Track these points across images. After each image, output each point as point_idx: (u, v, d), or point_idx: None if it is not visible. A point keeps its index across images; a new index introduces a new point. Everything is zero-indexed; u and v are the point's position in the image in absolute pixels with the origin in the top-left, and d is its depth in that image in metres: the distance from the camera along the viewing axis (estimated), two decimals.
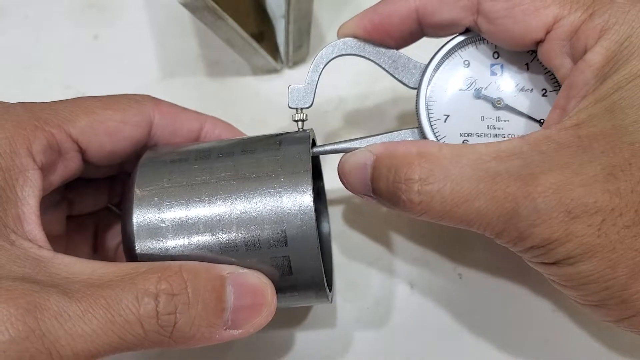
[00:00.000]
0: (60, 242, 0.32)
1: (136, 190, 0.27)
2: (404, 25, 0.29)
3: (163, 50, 0.44)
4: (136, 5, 0.46)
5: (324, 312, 0.35)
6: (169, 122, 0.30)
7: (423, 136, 0.29)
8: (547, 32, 0.26)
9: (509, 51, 0.29)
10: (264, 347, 0.35)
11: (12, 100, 0.27)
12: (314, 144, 0.31)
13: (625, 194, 0.22)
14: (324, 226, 0.37)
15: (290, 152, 0.27)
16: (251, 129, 0.40)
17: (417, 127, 0.29)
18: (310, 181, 0.26)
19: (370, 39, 0.30)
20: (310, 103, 0.30)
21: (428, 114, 0.29)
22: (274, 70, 0.43)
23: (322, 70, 0.30)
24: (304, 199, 0.26)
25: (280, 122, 0.40)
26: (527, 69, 0.29)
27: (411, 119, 0.40)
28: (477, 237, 0.36)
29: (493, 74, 0.29)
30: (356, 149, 0.29)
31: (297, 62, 0.43)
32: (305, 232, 0.26)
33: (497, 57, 0.29)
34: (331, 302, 0.30)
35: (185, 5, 0.33)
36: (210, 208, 0.26)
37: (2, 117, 0.25)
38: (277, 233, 0.26)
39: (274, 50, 0.42)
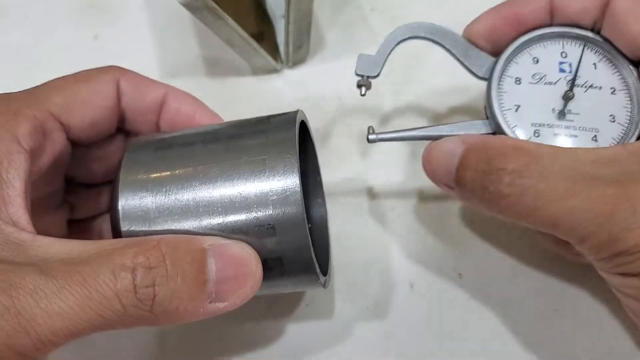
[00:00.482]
0: None
1: (122, 176, 0.27)
2: (537, 16, 0.29)
3: (163, 50, 0.44)
4: (136, 6, 0.46)
5: (324, 312, 0.35)
6: (134, 87, 0.31)
7: (495, 126, 0.29)
8: None
9: (577, 52, 0.30)
10: (264, 346, 0.35)
11: None
12: (304, 125, 0.30)
13: None
14: (319, 206, 0.36)
15: (277, 138, 0.27)
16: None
17: (487, 119, 0.30)
18: (297, 168, 0.26)
19: (490, 38, 0.30)
20: (377, 73, 0.30)
21: (500, 103, 0.29)
22: (274, 70, 0.43)
23: (393, 48, 0.31)
24: (291, 187, 0.25)
25: None
26: (595, 68, 0.29)
27: (417, 121, 0.40)
28: (477, 238, 0.36)
29: (562, 71, 0.30)
30: (424, 137, 0.30)
31: (297, 62, 0.43)
32: (290, 197, 0.25)
33: (566, 57, 0.30)
34: (325, 287, 0.29)
35: (185, 5, 0.33)
36: (195, 194, 0.26)
37: None
38: (265, 220, 0.25)
39: (274, 50, 0.42)
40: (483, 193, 0.26)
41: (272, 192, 0.26)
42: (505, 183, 0.25)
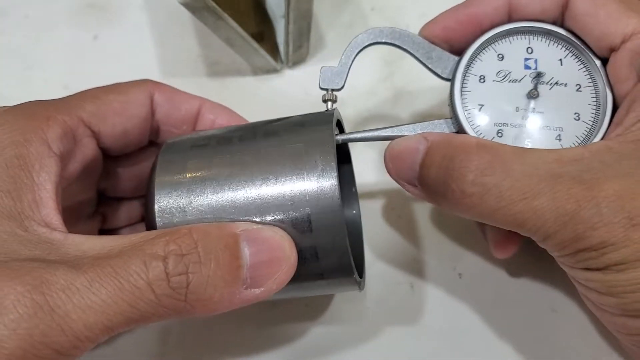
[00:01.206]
0: None
1: (157, 173, 0.27)
2: (495, 16, 0.29)
3: (163, 50, 0.44)
4: (136, 5, 0.46)
5: (324, 312, 0.35)
6: (167, 100, 0.31)
7: (458, 125, 0.29)
8: (624, 42, 0.27)
9: (543, 47, 0.29)
10: (263, 346, 0.35)
11: (12, 100, 0.27)
12: (340, 125, 0.30)
13: None
14: (354, 217, 0.36)
15: (313, 129, 0.27)
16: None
17: (450, 118, 0.30)
18: (333, 155, 0.25)
19: (447, 38, 0.30)
20: (342, 85, 0.30)
21: (462, 103, 0.29)
22: (274, 70, 0.43)
23: (355, 56, 0.30)
24: (327, 172, 0.25)
25: None
26: (561, 64, 0.29)
27: (412, 117, 0.40)
28: (477, 237, 0.36)
29: (527, 67, 0.29)
30: (386, 137, 0.29)
31: (297, 62, 0.43)
32: (326, 184, 0.25)
33: (531, 52, 0.29)
34: (360, 289, 0.29)
35: (185, 5, 0.33)
36: (231, 182, 0.26)
37: (14, 112, 0.26)
38: (300, 206, 0.25)
39: (274, 50, 0.42)
40: (446, 191, 0.25)
41: (308, 178, 0.25)
42: (469, 181, 0.24)
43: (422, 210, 0.37)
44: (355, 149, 0.37)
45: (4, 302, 0.20)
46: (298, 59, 0.42)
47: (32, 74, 0.44)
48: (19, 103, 0.27)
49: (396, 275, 0.36)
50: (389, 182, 0.32)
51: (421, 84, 0.34)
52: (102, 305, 0.21)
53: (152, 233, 0.23)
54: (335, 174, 0.25)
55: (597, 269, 0.24)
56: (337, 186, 0.25)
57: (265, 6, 0.44)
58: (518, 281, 0.35)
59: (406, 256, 0.36)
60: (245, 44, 0.38)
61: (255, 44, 0.39)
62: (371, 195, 0.38)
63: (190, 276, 0.22)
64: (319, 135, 0.26)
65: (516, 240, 0.32)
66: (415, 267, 0.36)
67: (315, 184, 0.25)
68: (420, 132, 0.29)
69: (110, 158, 0.31)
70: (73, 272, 0.21)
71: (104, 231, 0.33)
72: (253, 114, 0.41)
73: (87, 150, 0.28)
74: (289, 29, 0.38)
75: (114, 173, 0.32)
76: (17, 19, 0.46)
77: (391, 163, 0.28)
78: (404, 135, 0.29)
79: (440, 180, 0.26)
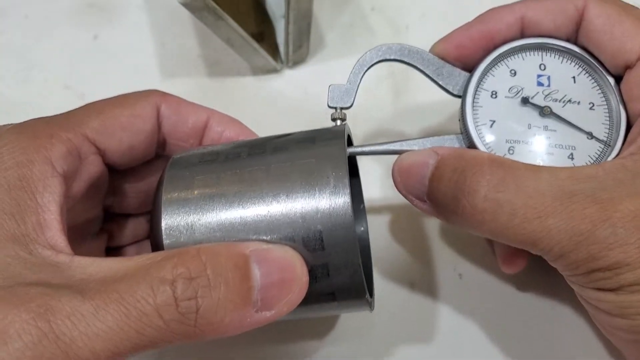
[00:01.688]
0: None
1: (164, 190, 0.26)
2: (508, 33, 0.29)
3: (163, 50, 0.44)
4: (136, 5, 0.46)
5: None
6: (174, 112, 0.30)
7: (468, 141, 0.28)
8: (639, 59, 0.26)
9: (556, 64, 0.29)
10: (263, 346, 0.35)
11: (12, 100, 0.27)
12: (349, 140, 0.30)
13: None
14: (362, 234, 0.35)
15: (324, 144, 0.26)
16: (251, 129, 0.41)
17: (460, 134, 0.29)
18: (346, 171, 0.25)
19: (460, 56, 0.29)
20: (350, 104, 0.29)
21: (474, 118, 0.28)
22: (274, 70, 0.43)
23: (364, 74, 0.30)
24: (340, 189, 0.24)
25: (280, 122, 0.40)
26: (574, 82, 0.29)
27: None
28: (477, 238, 0.36)
29: (540, 84, 0.29)
30: (396, 151, 0.29)
31: (297, 62, 0.43)
32: (339, 202, 0.24)
33: (544, 69, 0.29)
34: (371, 309, 0.28)
35: (185, 5, 0.33)
36: (240, 199, 0.25)
37: (17, 131, 0.25)
38: (312, 224, 0.24)
39: (274, 50, 0.42)
40: (456, 206, 0.25)
41: (320, 194, 0.25)
42: (481, 196, 0.24)
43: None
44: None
45: (8, 331, 0.19)
46: (298, 59, 0.42)
47: (32, 74, 0.44)
48: (13, 100, 0.27)
49: (396, 275, 0.36)
50: (388, 181, 0.31)
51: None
52: (108, 332, 0.20)
53: (159, 254, 0.23)
54: (348, 190, 0.24)
55: (610, 290, 0.23)
56: (349, 203, 0.24)
57: (265, 6, 0.44)
58: (518, 281, 0.35)
59: (406, 256, 0.36)
60: (245, 44, 0.38)
61: (255, 44, 0.39)
62: (371, 195, 0.38)
63: (199, 300, 0.21)
64: (330, 151, 0.26)
65: (525, 255, 0.31)
66: (415, 267, 0.36)
67: (327, 200, 0.24)
68: (430, 146, 0.28)
69: (116, 173, 0.30)
70: (79, 298, 0.20)
71: (110, 249, 0.33)
72: (253, 114, 0.41)
73: (93, 167, 0.27)
74: (289, 29, 0.38)
75: (120, 189, 0.32)
76: (17, 19, 0.46)
77: (400, 177, 0.28)
78: (414, 150, 0.28)
79: (450, 194, 0.25)
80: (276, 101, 0.42)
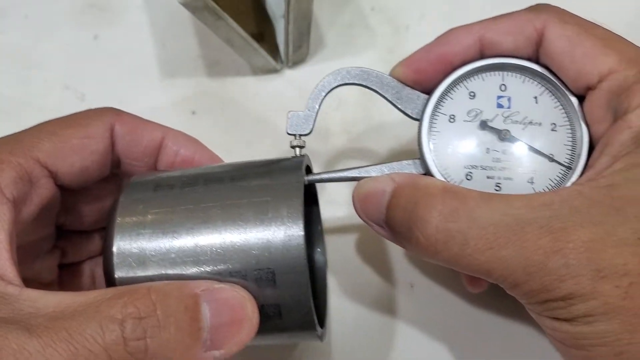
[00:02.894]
0: (52, 289, 0.30)
1: (118, 217, 0.26)
2: (467, 55, 0.28)
3: (163, 50, 0.44)
4: (136, 6, 0.46)
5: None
6: (128, 131, 0.30)
7: (425, 167, 0.28)
8: (600, 81, 0.26)
9: (518, 84, 0.28)
10: (263, 345, 0.35)
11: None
12: (308, 169, 0.30)
13: None
14: (319, 255, 0.35)
15: (282, 181, 0.26)
16: (251, 129, 0.41)
17: (418, 159, 0.28)
18: (301, 212, 0.25)
19: (418, 80, 0.29)
20: (309, 130, 0.29)
21: (430, 144, 0.28)
22: (274, 70, 0.43)
23: (323, 99, 0.29)
24: (294, 231, 0.25)
25: (280, 122, 0.40)
26: (536, 102, 0.28)
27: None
28: None
29: (500, 106, 0.28)
30: (354, 177, 0.28)
31: (297, 62, 0.43)
32: (292, 242, 0.24)
33: (505, 90, 0.28)
34: (322, 340, 0.28)
35: (185, 5, 0.33)
36: (193, 235, 0.25)
37: None
38: (265, 265, 0.24)
39: (274, 50, 0.42)
40: (410, 236, 0.25)
41: (274, 235, 0.25)
42: (433, 227, 0.24)
43: None
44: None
45: None
46: (298, 59, 0.42)
47: (32, 74, 0.44)
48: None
49: (396, 275, 0.36)
50: None
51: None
52: None
53: (110, 291, 0.22)
54: (302, 233, 0.24)
55: (565, 320, 0.23)
56: (303, 246, 0.24)
57: (265, 6, 0.44)
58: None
59: (406, 256, 0.36)
60: (245, 44, 0.38)
61: (255, 44, 0.39)
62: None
63: (148, 341, 0.21)
64: (286, 190, 0.26)
65: None
66: (415, 267, 0.36)
67: (281, 242, 0.24)
68: (387, 172, 0.28)
69: (69, 192, 0.29)
70: (26, 335, 0.20)
71: (64, 265, 0.32)
72: (253, 114, 0.41)
73: (44, 190, 0.27)
74: (289, 29, 0.38)
75: (73, 207, 0.31)
76: (17, 19, 0.46)
77: (359, 204, 0.27)
78: (372, 176, 0.28)
79: (405, 224, 0.25)
80: (276, 101, 0.42)
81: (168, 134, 0.31)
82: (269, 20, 0.43)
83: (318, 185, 0.36)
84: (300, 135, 0.29)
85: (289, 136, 0.29)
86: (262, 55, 0.40)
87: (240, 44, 0.38)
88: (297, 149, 0.29)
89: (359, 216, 0.28)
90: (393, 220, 0.26)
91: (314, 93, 0.29)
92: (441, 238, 0.24)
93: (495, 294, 0.35)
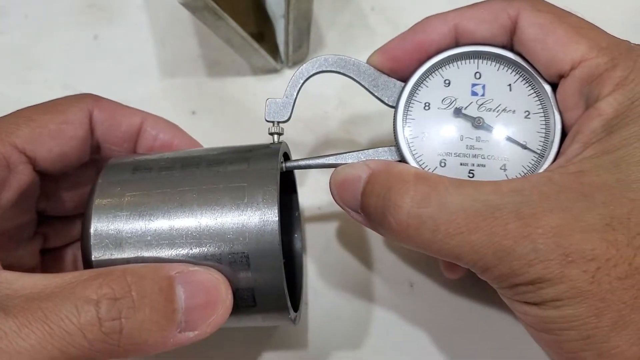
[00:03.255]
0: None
1: (95, 199, 0.26)
2: (442, 43, 0.28)
3: (163, 50, 0.44)
4: (136, 6, 0.46)
5: (324, 312, 0.36)
6: (108, 116, 0.30)
7: (400, 154, 0.28)
8: (572, 69, 0.26)
9: (492, 71, 0.28)
10: (263, 345, 0.35)
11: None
12: (287, 157, 0.30)
13: (622, 246, 0.22)
14: (296, 242, 0.36)
15: (258, 167, 0.26)
16: (251, 129, 0.41)
17: (394, 145, 0.29)
18: (276, 198, 0.25)
19: (394, 68, 0.29)
20: (287, 117, 0.29)
21: (405, 131, 0.28)
22: (274, 70, 0.43)
23: (301, 86, 0.30)
24: (269, 216, 0.25)
25: None
26: (510, 89, 0.28)
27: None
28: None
29: (474, 94, 0.28)
30: (331, 164, 0.29)
31: (297, 62, 0.43)
32: (267, 227, 0.25)
33: (480, 77, 0.28)
34: (295, 324, 0.28)
35: (185, 5, 0.33)
36: (169, 218, 0.25)
37: None
38: (239, 249, 0.25)
39: (274, 50, 0.42)
40: (384, 222, 0.25)
41: (249, 220, 0.25)
42: (405, 213, 0.24)
43: None
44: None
45: None
46: (298, 59, 0.42)
47: (32, 74, 0.44)
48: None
49: (396, 275, 0.36)
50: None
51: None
52: (30, 350, 0.20)
53: (85, 273, 0.23)
54: (277, 219, 0.25)
55: (534, 304, 0.23)
56: (277, 231, 0.25)
57: (265, 6, 0.44)
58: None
59: (406, 256, 0.36)
60: (245, 44, 0.38)
61: (255, 44, 0.39)
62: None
63: (123, 321, 0.22)
64: (262, 176, 0.26)
65: None
66: (415, 267, 0.36)
67: (255, 227, 0.25)
68: (364, 159, 0.28)
69: (49, 177, 0.30)
70: (2, 315, 0.20)
71: (46, 250, 0.32)
72: (253, 114, 0.41)
73: (23, 176, 0.27)
74: (289, 29, 0.38)
75: (54, 193, 0.31)
76: (17, 19, 0.46)
77: (335, 190, 0.28)
78: (348, 163, 0.28)
79: (379, 210, 0.25)
80: None
81: (147, 119, 0.31)
82: (269, 20, 0.43)
83: (298, 174, 0.36)
84: (279, 122, 0.29)
85: (267, 123, 0.29)
86: (262, 55, 0.40)
87: (240, 44, 0.38)
88: (275, 136, 0.29)
89: (336, 202, 0.28)
90: (367, 206, 0.26)
91: (292, 81, 0.30)
92: (413, 223, 0.24)
93: (495, 292, 0.35)
